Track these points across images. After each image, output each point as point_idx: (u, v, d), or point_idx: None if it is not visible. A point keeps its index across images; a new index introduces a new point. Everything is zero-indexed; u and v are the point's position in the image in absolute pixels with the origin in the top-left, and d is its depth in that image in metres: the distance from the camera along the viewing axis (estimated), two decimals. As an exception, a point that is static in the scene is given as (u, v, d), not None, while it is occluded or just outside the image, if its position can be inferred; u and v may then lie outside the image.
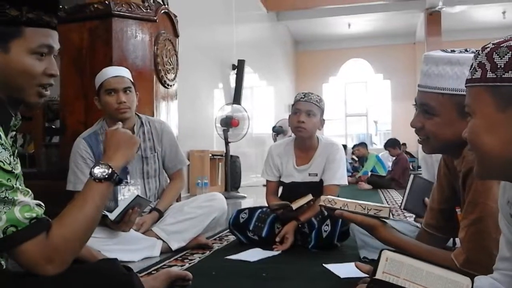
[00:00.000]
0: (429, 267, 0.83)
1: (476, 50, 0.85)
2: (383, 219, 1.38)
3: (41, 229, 0.95)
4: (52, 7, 1.04)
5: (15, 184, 0.94)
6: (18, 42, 1.00)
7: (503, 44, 0.80)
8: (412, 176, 2.07)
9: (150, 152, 2.41)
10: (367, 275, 1.12)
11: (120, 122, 1.21)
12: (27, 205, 0.94)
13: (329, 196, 1.48)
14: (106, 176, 1.07)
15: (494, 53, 0.80)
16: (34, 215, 0.94)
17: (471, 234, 1.16)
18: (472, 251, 1.16)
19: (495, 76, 0.79)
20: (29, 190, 0.99)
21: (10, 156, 0.95)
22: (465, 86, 0.87)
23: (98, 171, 1.07)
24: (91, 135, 2.34)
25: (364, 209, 1.36)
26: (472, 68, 0.85)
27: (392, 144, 7.27)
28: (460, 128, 1.15)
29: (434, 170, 2.34)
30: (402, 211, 2.18)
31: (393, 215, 2.04)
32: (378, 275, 0.83)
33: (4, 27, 0.99)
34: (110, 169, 1.08)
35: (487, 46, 0.83)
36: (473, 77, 0.83)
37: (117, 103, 2.26)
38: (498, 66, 0.78)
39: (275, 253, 2.22)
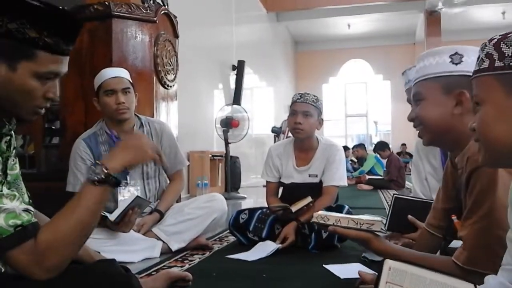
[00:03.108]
0: (432, 275, 0.82)
1: (483, 43, 0.89)
2: (376, 232, 1.40)
3: (27, 237, 0.92)
4: (72, 36, 1.01)
5: (0, 191, 0.92)
6: (28, 64, 0.96)
7: (509, 35, 0.84)
8: (393, 198, 2.01)
9: (150, 152, 2.40)
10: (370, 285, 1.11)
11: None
12: (12, 212, 0.92)
13: (321, 212, 1.49)
14: (100, 179, 1.02)
15: (502, 43, 0.84)
16: (19, 222, 0.92)
17: (475, 231, 1.16)
18: (476, 248, 1.15)
19: (503, 64, 0.83)
20: (16, 194, 0.96)
21: None
22: (472, 78, 0.91)
23: (93, 173, 1.02)
24: (91, 136, 2.34)
25: (357, 223, 1.37)
26: (479, 60, 0.89)
27: (381, 147, 7.34)
28: (447, 107, 1.26)
29: (425, 175, 2.35)
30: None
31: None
32: (381, 286, 0.82)
33: (18, 44, 0.94)
34: (105, 172, 1.02)
35: (494, 37, 0.87)
36: (481, 67, 0.88)
37: (116, 104, 2.26)
38: (506, 55, 0.83)
39: (278, 246, 2.24)
